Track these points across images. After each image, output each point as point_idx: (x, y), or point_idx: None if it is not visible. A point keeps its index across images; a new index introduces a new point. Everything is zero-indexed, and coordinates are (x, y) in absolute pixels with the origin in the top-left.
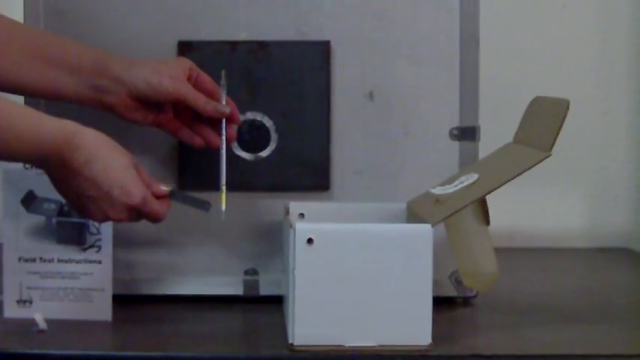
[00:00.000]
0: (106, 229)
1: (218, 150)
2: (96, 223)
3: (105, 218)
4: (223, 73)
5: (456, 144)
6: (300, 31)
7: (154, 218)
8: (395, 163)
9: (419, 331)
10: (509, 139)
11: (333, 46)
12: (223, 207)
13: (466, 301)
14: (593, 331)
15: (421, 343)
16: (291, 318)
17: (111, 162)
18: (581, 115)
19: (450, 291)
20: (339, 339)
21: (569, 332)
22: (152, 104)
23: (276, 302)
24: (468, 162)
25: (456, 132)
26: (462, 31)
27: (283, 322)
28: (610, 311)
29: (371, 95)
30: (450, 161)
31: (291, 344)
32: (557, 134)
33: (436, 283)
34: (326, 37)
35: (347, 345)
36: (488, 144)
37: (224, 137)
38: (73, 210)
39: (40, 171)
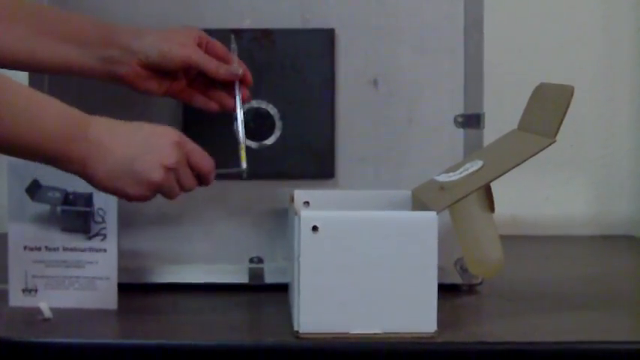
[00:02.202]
0: (111, 217)
1: (232, 112)
2: (100, 212)
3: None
4: (233, 37)
5: (461, 131)
6: (304, 18)
7: (188, 183)
8: (399, 151)
9: (424, 319)
10: (514, 126)
11: (338, 33)
12: (244, 165)
13: (471, 289)
14: (597, 318)
15: (426, 330)
16: (296, 306)
17: (134, 125)
18: (585, 101)
19: (455, 278)
20: (344, 326)
21: (574, 319)
22: (164, 73)
23: (282, 290)
24: (472, 149)
25: (460, 119)
26: (466, 18)
27: (288, 309)
28: (614, 298)
29: (375, 83)
30: (455, 148)
31: (297, 332)
32: (562, 121)
33: (441, 271)
34: (330, 24)
35: (352, 332)
36: (492, 131)
37: (238, 98)
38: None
39: None
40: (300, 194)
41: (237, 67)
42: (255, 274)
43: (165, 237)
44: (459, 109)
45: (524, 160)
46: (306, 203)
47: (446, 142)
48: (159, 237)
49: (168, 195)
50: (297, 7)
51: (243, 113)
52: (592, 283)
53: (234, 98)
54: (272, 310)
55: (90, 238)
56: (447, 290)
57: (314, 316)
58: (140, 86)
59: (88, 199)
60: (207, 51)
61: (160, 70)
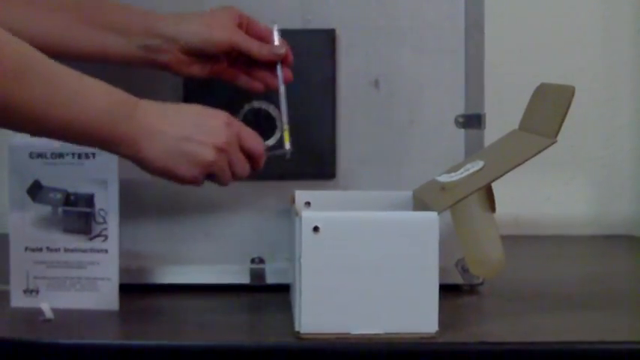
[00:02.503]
0: (113, 218)
1: (276, 91)
2: (102, 212)
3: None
4: (275, 25)
5: (462, 131)
6: (305, 19)
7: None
8: (400, 151)
9: (425, 319)
10: (515, 126)
11: (339, 34)
12: (287, 145)
13: (472, 289)
14: (598, 318)
15: (427, 331)
16: (297, 306)
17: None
18: (586, 101)
19: (457, 278)
20: (345, 327)
21: (575, 319)
22: (206, 56)
23: (283, 291)
24: (473, 149)
25: (461, 119)
26: (467, 18)
27: (290, 310)
28: (615, 298)
29: (376, 83)
30: (456, 149)
31: (298, 332)
32: (563, 121)
33: (442, 271)
34: (331, 25)
35: (353, 333)
36: (493, 131)
37: (281, 78)
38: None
39: (46, 160)
40: (302, 195)
41: (279, 46)
42: (257, 275)
43: (167, 238)
44: (460, 110)
45: (525, 161)
46: (307, 204)
47: (447, 143)
48: (160, 238)
49: (221, 178)
50: (298, 7)
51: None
52: (593, 283)
53: (278, 77)
54: (273, 311)
55: (91, 238)
56: (448, 290)
57: (315, 316)
58: (183, 71)
59: (89, 200)
60: (248, 30)
61: (202, 55)
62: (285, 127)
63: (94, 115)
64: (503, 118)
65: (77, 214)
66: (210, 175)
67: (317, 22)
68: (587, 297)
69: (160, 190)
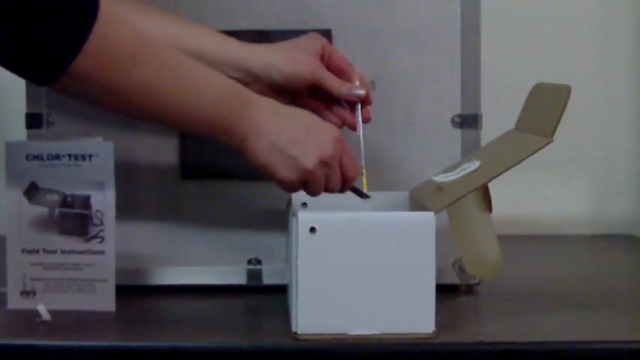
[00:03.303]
0: (109, 219)
1: (353, 130)
2: (98, 214)
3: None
4: (355, 55)
5: (458, 132)
6: (301, 19)
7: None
8: (397, 152)
9: (422, 319)
10: (511, 126)
11: (335, 34)
12: (365, 189)
13: (469, 289)
14: (596, 318)
15: (424, 331)
16: (294, 307)
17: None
18: (583, 101)
19: (453, 279)
20: (342, 327)
21: (572, 319)
22: (289, 89)
23: (280, 291)
24: (470, 149)
25: (457, 120)
26: (463, 18)
27: (287, 311)
28: (613, 298)
29: (373, 84)
30: (452, 149)
31: (295, 333)
32: (559, 121)
33: (439, 271)
34: (327, 25)
35: (350, 333)
36: (490, 131)
37: (360, 120)
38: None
39: (43, 162)
40: (298, 196)
41: (360, 87)
42: (254, 276)
43: (163, 239)
44: (457, 110)
45: (522, 160)
46: (304, 204)
47: (443, 143)
48: (157, 239)
49: (314, 189)
50: (295, 8)
51: None
52: (591, 282)
53: (356, 118)
54: (270, 312)
55: (88, 240)
56: (445, 291)
57: (312, 317)
58: None
59: (86, 202)
60: (330, 63)
61: (284, 89)
62: (363, 170)
63: (208, 102)
64: (499, 118)
65: (74, 215)
66: (304, 183)
67: (313, 22)
68: (584, 297)
69: (156, 192)
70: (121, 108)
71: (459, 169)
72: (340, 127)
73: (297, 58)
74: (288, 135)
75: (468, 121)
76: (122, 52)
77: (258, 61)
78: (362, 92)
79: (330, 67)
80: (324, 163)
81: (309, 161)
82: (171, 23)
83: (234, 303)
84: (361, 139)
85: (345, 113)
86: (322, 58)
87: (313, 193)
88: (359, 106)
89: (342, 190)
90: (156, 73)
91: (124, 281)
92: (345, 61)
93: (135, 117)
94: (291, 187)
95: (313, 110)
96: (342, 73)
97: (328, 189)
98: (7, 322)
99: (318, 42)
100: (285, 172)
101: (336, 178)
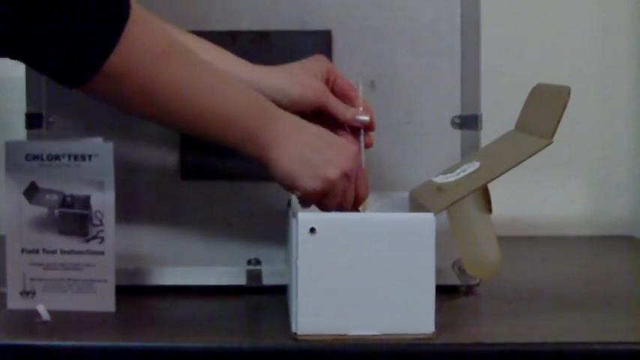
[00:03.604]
0: (109, 219)
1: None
2: (98, 214)
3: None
4: (360, 82)
5: (458, 132)
6: (301, 20)
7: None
8: (397, 152)
9: (422, 320)
10: (511, 126)
11: (335, 35)
12: (363, 211)
13: (469, 290)
14: (595, 318)
15: (424, 332)
16: (294, 307)
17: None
18: (582, 102)
19: (453, 279)
20: (342, 328)
21: (572, 320)
22: (295, 111)
23: (280, 292)
24: (469, 150)
25: (457, 120)
26: (463, 19)
27: (286, 311)
28: (612, 299)
29: (372, 84)
30: (452, 150)
31: (295, 333)
32: (559, 121)
33: (439, 272)
34: (327, 26)
35: (350, 334)
36: (490, 132)
37: (362, 145)
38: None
39: (42, 162)
40: None
41: (364, 114)
42: (253, 276)
43: (163, 239)
44: (456, 111)
45: (522, 161)
46: None
47: (443, 144)
48: (156, 239)
49: (330, 202)
50: (295, 8)
51: None
52: (590, 283)
53: (360, 143)
54: (270, 312)
55: (88, 240)
56: (444, 291)
57: (312, 317)
58: None
59: (86, 202)
60: (334, 87)
61: (289, 110)
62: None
63: (235, 110)
64: (499, 118)
65: (73, 215)
66: (323, 195)
67: (313, 23)
68: (584, 298)
69: (156, 192)
70: (150, 110)
71: (458, 170)
72: None
73: (304, 82)
74: (312, 146)
75: (468, 121)
76: (153, 52)
77: (267, 84)
78: (366, 118)
79: (334, 91)
80: (345, 176)
81: (333, 172)
82: (194, 43)
83: (234, 303)
84: (362, 163)
85: (346, 135)
86: (327, 81)
87: (328, 206)
88: (362, 131)
89: (353, 208)
90: (186, 74)
91: (124, 281)
92: (350, 85)
93: (162, 121)
94: (312, 196)
95: None
96: (345, 98)
97: (342, 205)
98: (7, 322)
99: (323, 65)
100: (309, 181)
101: (351, 194)
